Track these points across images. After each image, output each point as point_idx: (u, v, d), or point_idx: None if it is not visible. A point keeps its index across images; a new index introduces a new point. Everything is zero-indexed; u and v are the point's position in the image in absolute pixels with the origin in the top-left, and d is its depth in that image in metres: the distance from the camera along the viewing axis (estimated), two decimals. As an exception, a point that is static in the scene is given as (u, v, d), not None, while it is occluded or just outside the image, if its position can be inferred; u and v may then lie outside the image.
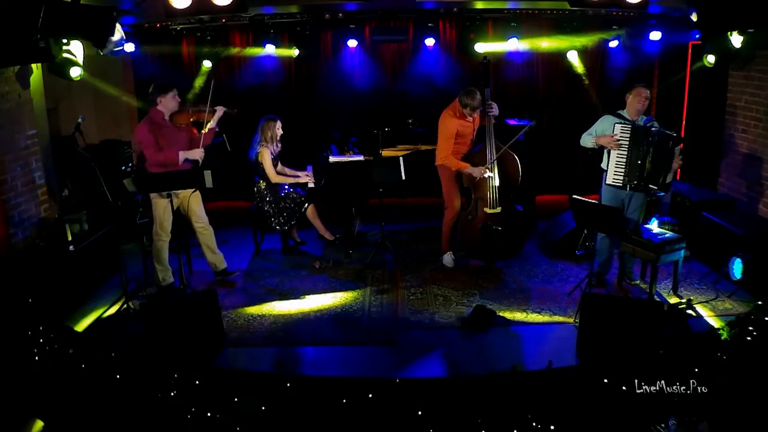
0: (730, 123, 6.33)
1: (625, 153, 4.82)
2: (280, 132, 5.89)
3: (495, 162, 5.37)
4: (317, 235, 6.46)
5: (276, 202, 5.94)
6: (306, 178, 6.13)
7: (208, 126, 5.24)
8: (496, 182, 5.41)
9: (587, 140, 5.07)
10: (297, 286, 5.48)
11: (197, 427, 3.13)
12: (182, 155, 5.03)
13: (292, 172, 6.18)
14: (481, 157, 5.44)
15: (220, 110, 5.26)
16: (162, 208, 5.12)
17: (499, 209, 5.46)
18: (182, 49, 7.27)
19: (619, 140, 4.83)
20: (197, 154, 5.10)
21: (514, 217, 5.55)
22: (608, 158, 4.94)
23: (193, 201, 5.33)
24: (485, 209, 5.46)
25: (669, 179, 4.76)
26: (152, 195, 5.09)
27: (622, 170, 4.85)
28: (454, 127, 5.40)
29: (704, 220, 5.63)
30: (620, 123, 4.84)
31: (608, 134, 4.90)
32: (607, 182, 4.97)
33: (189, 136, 5.23)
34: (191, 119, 5.16)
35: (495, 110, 5.42)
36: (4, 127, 4.88)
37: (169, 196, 5.04)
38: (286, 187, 6.03)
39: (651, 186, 4.77)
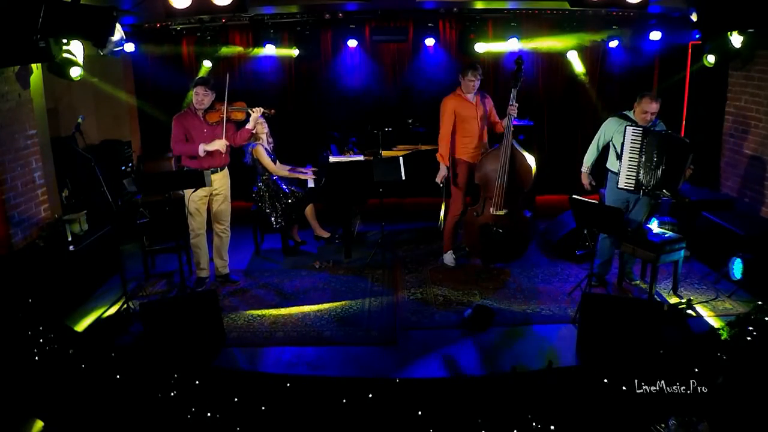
0: (730, 123, 6.33)
1: (637, 157, 4.77)
2: (266, 129, 5.92)
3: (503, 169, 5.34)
4: (314, 236, 6.48)
5: (276, 202, 5.94)
6: (308, 175, 6.14)
7: (247, 126, 5.28)
8: (505, 183, 5.32)
9: (587, 159, 5.20)
10: (297, 286, 5.49)
11: (197, 427, 3.13)
12: (202, 148, 5.00)
13: (294, 168, 6.19)
14: (494, 157, 5.35)
15: (258, 111, 5.27)
16: (195, 203, 5.16)
17: (503, 212, 5.40)
18: (182, 49, 7.27)
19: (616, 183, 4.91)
20: (217, 144, 5.06)
21: (519, 222, 5.45)
22: (617, 160, 4.90)
23: (225, 203, 5.38)
24: (490, 210, 5.43)
25: (679, 186, 4.75)
26: (186, 191, 5.12)
27: (634, 174, 4.81)
28: (450, 106, 5.39)
29: (704, 220, 5.62)
30: (631, 125, 4.79)
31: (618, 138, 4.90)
32: (618, 186, 4.90)
33: (221, 134, 5.18)
34: (223, 117, 5.11)
35: (515, 111, 5.32)
36: (4, 127, 4.87)
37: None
38: (285, 186, 6.04)
39: (664, 191, 4.73)
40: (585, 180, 5.27)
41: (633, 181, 4.83)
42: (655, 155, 4.68)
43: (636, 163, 4.79)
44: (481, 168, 5.43)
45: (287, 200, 5.98)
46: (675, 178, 4.67)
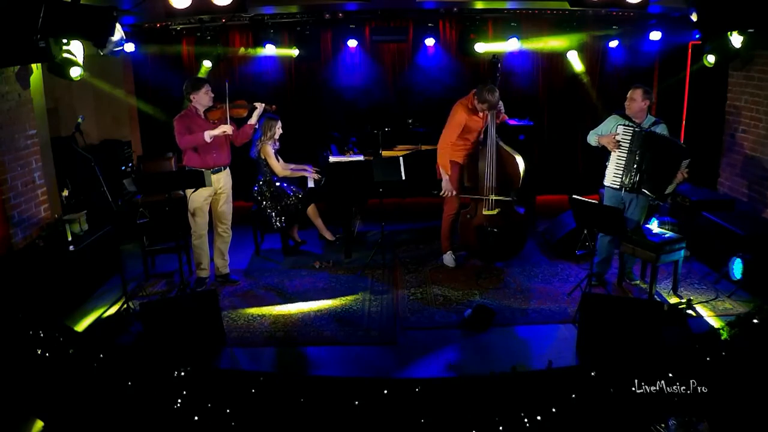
0: (730, 123, 6.33)
1: (625, 155, 4.82)
2: (279, 131, 5.93)
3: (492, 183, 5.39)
4: (318, 236, 6.48)
5: (277, 202, 5.94)
6: (310, 173, 6.14)
7: (250, 122, 5.32)
8: (494, 183, 5.39)
9: (592, 138, 5.10)
10: (297, 285, 5.49)
11: (198, 426, 3.13)
12: (208, 134, 4.99)
13: (297, 166, 6.19)
14: (481, 158, 5.42)
15: (260, 107, 5.30)
16: (199, 203, 5.17)
17: (496, 211, 5.44)
18: (182, 49, 7.27)
19: (619, 142, 4.83)
20: (222, 128, 5.05)
21: (513, 220, 5.50)
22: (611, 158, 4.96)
23: (228, 203, 5.39)
24: (483, 210, 5.46)
25: (669, 190, 4.74)
26: (188, 191, 5.11)
27: (621, 172, 4.86)
28: (464, 118, 5.37)
29: (704, 220, 5.62)
30: (623, 125, 4.83)
31: (611, 134, 4.91)
32: (605, 183, 4.99)
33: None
34: (226, 115, 5.12)
35: (502, 108, 5.39)
36: (4, 127, 4.87)
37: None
38: (286, 186, 6.04)
39: (645, 191, 4.76)
40: (609, 137, 4.89)
41: (618, 179, 4.87)
42: (638, 154, 4.73)
43: (624, 162, 4.83)
44: (470, 170, 5.45)
45: (288, 200, 5.98)
46: (660, 180, 4.69)
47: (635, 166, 4.75)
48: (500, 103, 5.39)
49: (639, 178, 4.75)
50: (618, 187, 4.89)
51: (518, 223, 5.53)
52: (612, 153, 4.92)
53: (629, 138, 4.79)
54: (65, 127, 6.49)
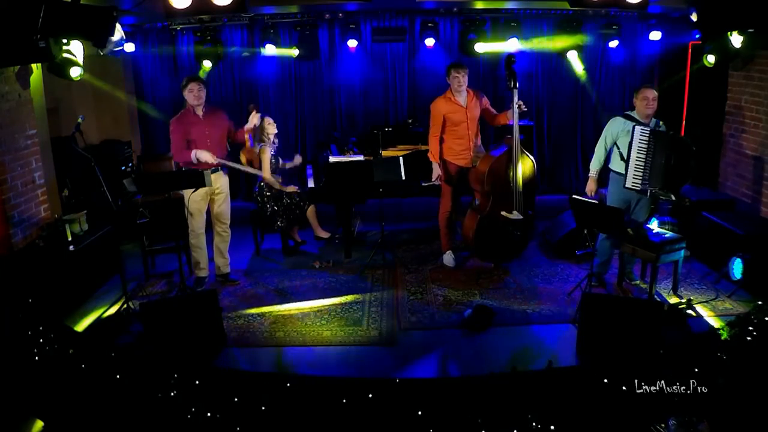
0: (730, 123, 6.33)
1: (644, 157, 4.77)
2: (274, 130, 5.90)
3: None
4: (314, 236, 6.48)
5: (277, 202, 5.94)
6: (292, 188, 6.05)
7: (246, 126, 5.37)
8: (521, 187, 5.28)
9: (595, 163, 5.15)
10: (297, 286, 5.49)
11: (197, 427, 3.13)
12: (194, 155, 5.07)
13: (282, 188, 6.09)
14: (506, 161, 5.26)
15: (254, 113, 5.39)
16: (196, 203, 5.17)
17: (519, 214, 5.31)
18: (182, 49, 7.26)
19: (636, 146, 4.81)
20: (204, 156, 5.08)
21: (530, 223, 5.53)
22: (622, 160, 4.90)
23: (226, 203, 5.40)
24: (503, 213, 5.32)
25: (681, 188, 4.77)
26: (186, 190, 5.12)
27: (641, 174, 4.81)
28: (440, 108, 5.47)
29: (704, 220, 5.62)
30: (639, 126, 4.79)
31: (620, 148, 4.89)
32: (626, 186, 4.87)
33: (224, 132, 5.26)
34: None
35: (524, 107, 5.36)
36: (4, 127, 4.87)
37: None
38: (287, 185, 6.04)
39: (670, 195, 4.73)
40: (592, 186, 5.18)
41: (640, 181, 4.83)
42: (663, 156, 4.69)
43: (643, 164, 4.79)
44: (493, 173, 5.27)
45: (288, 200, 5.98)
46: (681, 180, 4.68)
47: (660, 168, 4.69)
48: (484, 97, 5.56)
49: (664, 180, 4.69)
50: (640, 188, 4.83)
51: (532, 225, 5.59)
52: (630, 155, 4.81)
53: (647, 139, 4.75)
54: (65, 127, 6.48)
